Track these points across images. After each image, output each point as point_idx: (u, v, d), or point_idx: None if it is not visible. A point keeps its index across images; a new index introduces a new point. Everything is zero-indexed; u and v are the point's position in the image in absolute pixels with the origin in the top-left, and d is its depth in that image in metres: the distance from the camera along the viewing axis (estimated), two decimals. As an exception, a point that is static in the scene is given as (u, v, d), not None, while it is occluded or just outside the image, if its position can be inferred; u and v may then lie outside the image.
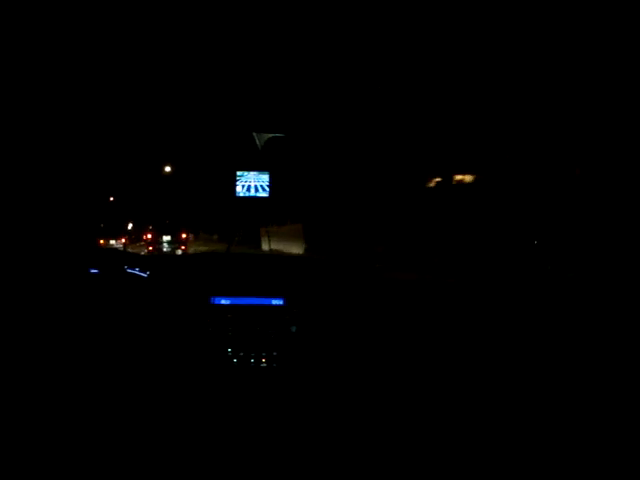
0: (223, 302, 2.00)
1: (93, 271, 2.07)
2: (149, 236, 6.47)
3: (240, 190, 2.03)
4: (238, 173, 2.02)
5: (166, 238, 6.09)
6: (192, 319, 1.97)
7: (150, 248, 6.31)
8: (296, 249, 4.20)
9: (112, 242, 6.28)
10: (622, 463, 1.57)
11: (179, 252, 5.98)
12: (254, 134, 2.03)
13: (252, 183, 2.02)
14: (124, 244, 6.47)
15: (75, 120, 1.94)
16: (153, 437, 1.79)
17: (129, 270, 2.11)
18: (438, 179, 2.50)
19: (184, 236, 6.11)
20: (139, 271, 2.15)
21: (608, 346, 1.77)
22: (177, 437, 1.80)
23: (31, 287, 1.85)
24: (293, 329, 1.95)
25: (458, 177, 2.49)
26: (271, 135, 2.08)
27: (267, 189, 2.02)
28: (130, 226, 6.25)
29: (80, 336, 1.86)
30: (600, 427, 1.66)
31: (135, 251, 6.28)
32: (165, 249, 6.12)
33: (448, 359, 1.91)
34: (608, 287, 1.88)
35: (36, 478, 1.54)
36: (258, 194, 2.03)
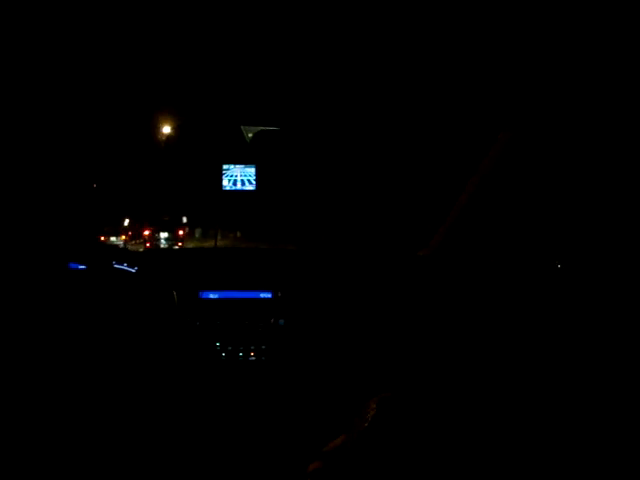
0: (211, 296, 2.00)
1: (80, 267, 2.06)
2: (146, 233, 6.49)
3: (226, 184, 2.01)
4: (224, 166, 2.01)
5: (163, 235, 6.12)
6: (180, 314, 1.96)
7: (148, 245, 6.34)
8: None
9: (112, 239, 6.31)
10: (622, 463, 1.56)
11: (176, 248, 6.00)
12: (242, 127, 2.02)
13: (238, 177, 2.01)
14: (125, 241, 6.51)
15: (60, 110, 1.92)
16: (142, 431, 1.79)
17: (117, 265, 2.10)
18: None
19: (181, 232, 6.13)
20: (127, 266, 2.14)
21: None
22: (166, 430, 1.80)
23: (13, 283, 1.84)
24: (281, 322, 1.94)
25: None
26: (260, 128, 2.06)
27: (254, 183, 2.01)
28: (127, 222, 6.26)
29: (65, 331, 1.85)
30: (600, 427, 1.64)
31: (134, 248, 6.30)
32: (162, 245, 6.14)
33: (442, 352, 1.90)
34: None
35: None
36: (245, 187, 2.02)
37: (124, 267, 2.14)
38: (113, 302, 1.98)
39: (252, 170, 1.99)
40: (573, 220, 1.83)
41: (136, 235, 6.54)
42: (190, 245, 6.06)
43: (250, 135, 2.09)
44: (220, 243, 3.33)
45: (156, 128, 2.36)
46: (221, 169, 2.02)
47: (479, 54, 1.58)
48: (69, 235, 2.23)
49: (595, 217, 1.72)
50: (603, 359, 1.61)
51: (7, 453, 1.61)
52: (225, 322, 1.96)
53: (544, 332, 1.76)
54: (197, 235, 6.32)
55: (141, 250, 5.37)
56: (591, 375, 1.61)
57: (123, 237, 6.27)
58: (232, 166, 2.00)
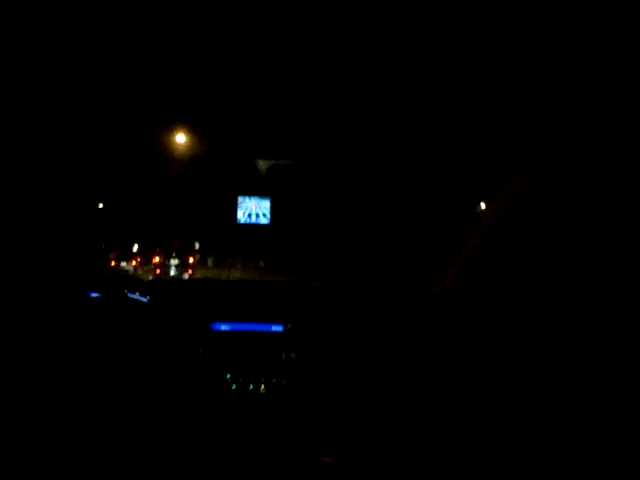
0: (223, 328, 1.99)
1: (94, 295, 2.07)
2: (157, 259, 6.52)
3: (241, 216, 2.03)
4: (239, 198, 2.03)
5: (173, 262, 6.14)
6: (192, 345, 1.96)
7: (158, 271, 6.35)
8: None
9: (123, 264, 6.33)
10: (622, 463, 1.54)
11: (186, 276, 6.00)
12: (257, 160, 2.04)
13: (253, 209, 2.03)
14: (135, 267, 6.53)
15: (77, 137, 1.96)
16: (153, 462, 1.77)
17: (130, 295, 2.11)
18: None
19: (191, 260, 6.15)
20: (139, 295, 2.15)
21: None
22: (177, 462, 1.78)
23: (30, 307, 1.85)
24: (292, 355, 1.93)
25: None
26: (273, 162, 2.09)
27: (268, 215, 2.03)
28: (136, 247, 6.28)
29: (79, 359, 1.85)
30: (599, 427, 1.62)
31: (143, 274, 6.32)
32: (173, 273, 6.15)
33: (448, 383, 1.88)
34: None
35: None
36: (259, 220, 2.03)
37: (136, 296, 2.15)
38: (125, 331, 1.99)
39: (267, 203, 2.01)
40: (583, 258, 1.82)
41: (146, 261, 6.56)
42: (201, 274, 6.05)
43: (264, 168, 2.11)
44: (238, 274, 3.33)
45: (171, 154, 2.39)
46: (236, 200, 2.03)
47: (495, 96, 1.61)
48: (87, 261, 2.25)
49: (604, 256, 1.72)
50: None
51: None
52: (236, 354, 1.95)
53: (552, 376, 1.75)
54: (210, 264, 6.31)
55: (151, 278, 5.39)
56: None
57: (133, 263, 6.30)
58: (247, 198, 2.02)
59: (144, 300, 2.16)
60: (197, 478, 1.78)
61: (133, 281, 2.60)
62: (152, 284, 2.45)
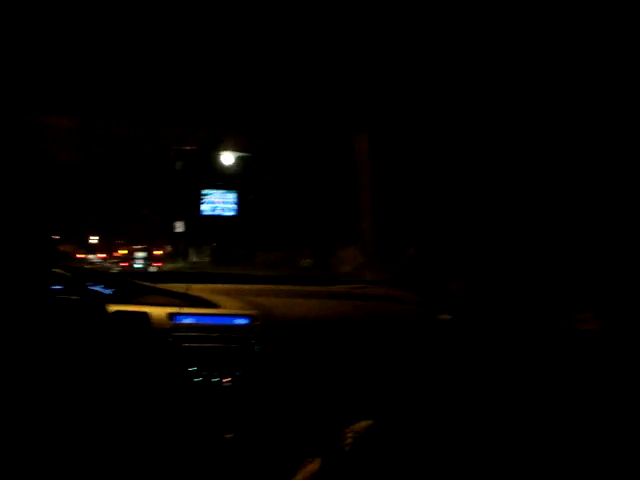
0: (186, 320, 1.98)
1: (54, 287, 2.03)
2: (123, 252, 6.41)
3: (206, 209, 2.02)
4: (203, 191, 2.01)
5: (140, 254, 6.04)
6: (155, 338, 1.95)
7: (124, 264, 6.24)
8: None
9: (90, 256, 6.19)
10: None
11: (153, 269, 5.92)
12: (222, 152, 2.03)
13: (218, 202, 2.02)
14: (104, 259, 6.39)
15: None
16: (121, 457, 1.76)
17: (92, 287, 2.08)
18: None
19: (159, 253, 6.07)
20: (103, 288, 2.12)
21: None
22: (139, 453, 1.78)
23: None
24: (257, 348, 1.94)
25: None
26: (239, 154, 2.08)
27: (233, 207, 2.02)
28: (95, 239, 6.13)
29: (41, 354, 1.82)
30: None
31: (112, 267, 6.20)
32: (139, 266, 6.05)
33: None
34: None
35: None
36: (224, 213, 2.02)
37: (100, 289, 2.12)
38: (87, 323, 1.96)
39: (232, 195, 2.00)
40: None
41: (110, 254, 6.45)
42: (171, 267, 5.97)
43: (229, 160, 2.10)
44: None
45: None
46: (199, 194, 2.02)
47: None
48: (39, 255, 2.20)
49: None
50: None
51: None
52: (200, 347, 1.95)
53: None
54: (194, 257, 6.12)
55: (117, 270, 5.29)
56: None
57: (101, 255, 6.19)
58: (211, 191, 2.01)
59: (108, 292, 2.13)
60: (162, 471, 1.77)
61: (96, 273, 2.57)
62: (117, 276, 2.42)
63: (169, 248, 6.04)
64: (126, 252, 6.49)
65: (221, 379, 1.89)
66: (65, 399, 1.87)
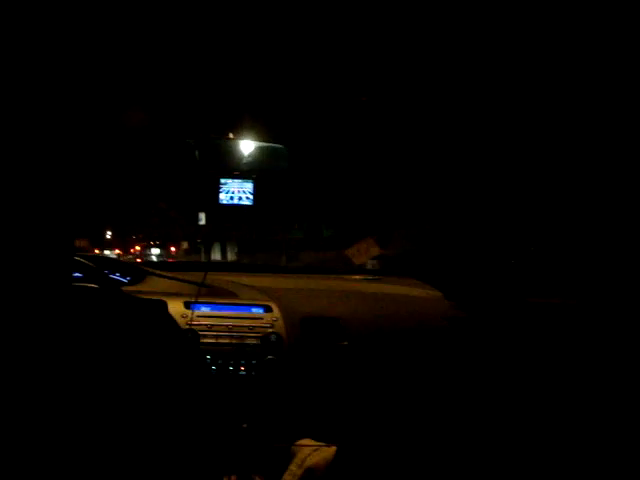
0: (203, 309, 1.99)
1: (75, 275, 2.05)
2: (137, 248, 6.47)
3: (223, 198, 2.02)
4: (221, 180, 2.02)
5: (155, 251, 6.10)
6: (171, 326, 1.95)
7: (138, 260, 6.30)
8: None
9: (107, 252, 6.25)
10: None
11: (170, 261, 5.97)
12: (238, 141, 2.04)
13: (236, 190, 2.02)
14: (118, 255, 6.45)
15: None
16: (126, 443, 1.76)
17: (111, 275, 2.10)
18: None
19: (173, 249, 6.12)
20: (120, 276, 2.14)
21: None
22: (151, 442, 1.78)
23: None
24: (273, 338, 1.94)
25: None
26: (257, 144, 2.08)
27: (251, 197, 2.03)
28: (109, 234, 6.19)
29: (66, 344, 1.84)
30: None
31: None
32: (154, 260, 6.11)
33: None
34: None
35: None
36: (242, 202, 2.03)
37: (117, 277, 2.14)
38: (105, 310, 1.97)
39: (250, 185, 2.01)
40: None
41: (125, 250, 6.51)
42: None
43: (244, 150, 2.10)
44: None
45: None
46: (219, 183, 2.03)
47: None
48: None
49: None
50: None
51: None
52: (216, 336, 1.95)
53: None
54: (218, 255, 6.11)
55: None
56: None
57: (117, 251, 6.25)
58: (230, 180, 2.01)
59: (125, 280, 2.15)
60: (178, 462, 1.77)
61: (114, 262, 2.59)
62: (133, 265, 2.43)
63: (185, 245, 6.05)
64: (140, 249, 6.54)
65: (237, 368, 1.90)
66: (82, 386, 1.88)
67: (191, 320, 1.95)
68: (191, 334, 1.93)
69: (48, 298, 1.78)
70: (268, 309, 2.00)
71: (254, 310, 2.00)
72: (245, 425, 1.84)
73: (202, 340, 1.93)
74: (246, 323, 1.97)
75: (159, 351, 1.90)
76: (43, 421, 1.53)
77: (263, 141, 1.99)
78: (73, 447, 1.57)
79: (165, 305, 1.97)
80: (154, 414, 1.81)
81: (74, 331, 1.86)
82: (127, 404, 1.78)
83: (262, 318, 1.98)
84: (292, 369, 1.93)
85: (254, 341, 1.94)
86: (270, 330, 1.95)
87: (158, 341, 1.91)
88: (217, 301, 2.02)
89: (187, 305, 1.98)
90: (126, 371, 1.84)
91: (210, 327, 1.96)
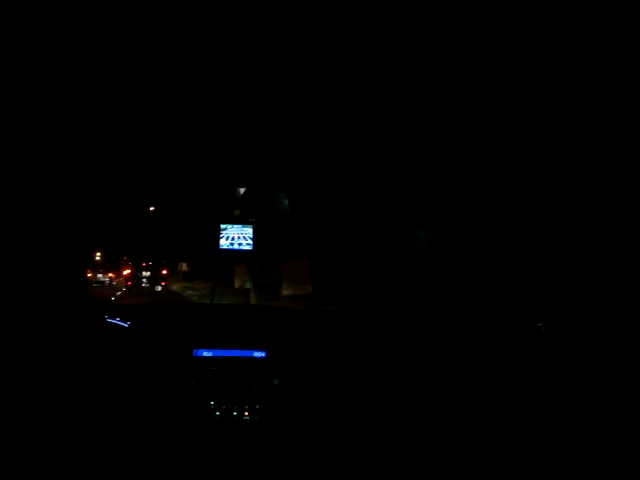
0: (205, 354, 2.00)
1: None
2: (128, 271, 6.43)
3: (224, 243, 2.04)
4: (222, 226, 2.04)
5: (145, 274, 6.07)
6: (174, 371, 1.96)
7: (129, 283, 6.27)
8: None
9: (99, 276, 6.18)
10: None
11: (159, 288, 5.95)
12: (236, 189, 2.06)
13: (235, 236, 2.04)
14: (111, 278, 6.38)
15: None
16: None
17: (110, 320, 2.10)
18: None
19: (164, 272, 6.09)
20: (120, 321, 2.14)
21: None
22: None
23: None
24: (276, 382, 1.95)
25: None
26: (245, 189, 2.11)
27: (251, 242, 2.04)
28: (98, 256, 6.11)
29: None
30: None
31: (119, 285, 6.21)
32: (144, 285, 6.08)
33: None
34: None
35: None
36: (242, 247, 2.05)
37: (117, 322, 2.14)
38: (106, 357, 1.97)
39: (249, 230, 2.02)
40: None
41: (117, 273, 6.46)
42: (178, 286, 5.98)
43: (241, 193, 2.13)
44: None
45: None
46: (219, 228, 2.04)
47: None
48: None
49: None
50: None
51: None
52: (219, 380, 1.95)
53: None
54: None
55: (125, 290, 5.29)
56: None
57: (110, 275, 6.20)
58: (229, 226, 2.03)
59: (125, 325, 2.15)
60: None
61: (113, 306, 2.58)
62: (133, 309, 2.43)
63: (184, 267, 6.02)
64: (130, 272, 6.50)
65: (241, 413, 1.90)
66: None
67: (192, 365, 1.96)
68: (193, 380, 1.93)
69: (65, 306, 1.80)
70: (270, 352, 2.00)
71: (256, 354, 2.01)
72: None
73: (204, 385, 1.93)
74: (249, 367, 1.98)
75: (159, 397, 1.90)
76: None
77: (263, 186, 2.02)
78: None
79: (166, 350, 1.99)
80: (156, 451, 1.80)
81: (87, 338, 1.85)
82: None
83: (265, 361, 1.99)
84: (295, 412, 1.93)
85: (257, 385, 1.94)
86: (273, 374, 1.96)
87: (157, 388, 1.91)
88: (219, 345, 2.02)
89: (189, 350, 1.99)
90: (124, 418, 1.83)
91: (213, 372, 1.96)
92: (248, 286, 3.88)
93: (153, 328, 2.11)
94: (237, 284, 4.34)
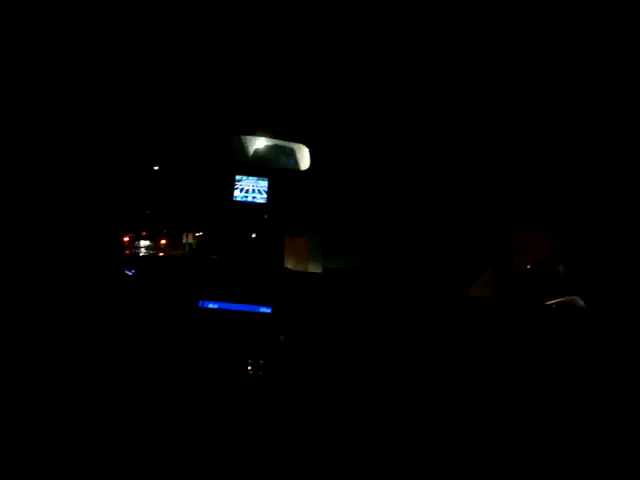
0: (211, 306, 1.97)
1: None
2: (126, 239, 6.38)
3: (238, 194, 2.00)
4: (237, 177, 2.00)
5: (144, 243, 6.01)
6: (179, 321, 1.93)
7: (127, 252, 6.21)
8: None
9: None
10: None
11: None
12: (251, 138, 2.02)
13: (250, 188, 2.00)
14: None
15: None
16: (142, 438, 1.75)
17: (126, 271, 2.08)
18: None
19: (163, 242, 6.04)
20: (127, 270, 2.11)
21: None
22: (160, 439, 1.76)
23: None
24: (281, 338, 1.92)
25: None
26: (272, 142, 2.07)
27: (265, 195, 2.01)
28: None
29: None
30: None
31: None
32: (142, 254, 6.03)
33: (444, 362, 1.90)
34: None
35: None
36: (256, 200, 2.01)
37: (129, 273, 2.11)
38: (117, 307, 1.95)
39: (265, 182, 1.99)
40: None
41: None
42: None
43: (259, 147, 2.09)
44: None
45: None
46: (233, 179, 2.01)
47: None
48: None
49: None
50: None
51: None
52: (223, 334, 1.93)
53: None
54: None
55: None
56: None
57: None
58: (245, 177, 1.99)
59: (129, 274, 2.12)
60: (184, 460, 1.76)
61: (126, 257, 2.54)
62: (139, 258, 2.40)
63: (190, 238, 5.94)
64: (128, 240, 6.44)
65: (244, 367, 1.88)
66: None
67: (197, 316, 1.93)
68: (198, 331, 1.91)
69: (103, 286, 1.79)
70: (276, 308, 1.98)
71: (262, 309, 1.98)
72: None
73: (208, 338, 1.91)
74: (254, 322, 1.95)
75: (162, 348, 1.87)
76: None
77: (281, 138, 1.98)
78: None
79: (171, 300, 1.96)
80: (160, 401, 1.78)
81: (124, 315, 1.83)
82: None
83: (270, 317, 1.97)
84: (299, 369, 1.90)
85: (262, 340, 1.92)
86: (279, 330, 1.93)
87: (161, 338, 1.88)
88: (225, 298, 1.99)
89: (194, 301, 1.96)
90: (129, 366, 1.81)
91: (217, 325, 1.93)
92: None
93: (157, 277, 2.08)
94: (293, 264, 3.78)
